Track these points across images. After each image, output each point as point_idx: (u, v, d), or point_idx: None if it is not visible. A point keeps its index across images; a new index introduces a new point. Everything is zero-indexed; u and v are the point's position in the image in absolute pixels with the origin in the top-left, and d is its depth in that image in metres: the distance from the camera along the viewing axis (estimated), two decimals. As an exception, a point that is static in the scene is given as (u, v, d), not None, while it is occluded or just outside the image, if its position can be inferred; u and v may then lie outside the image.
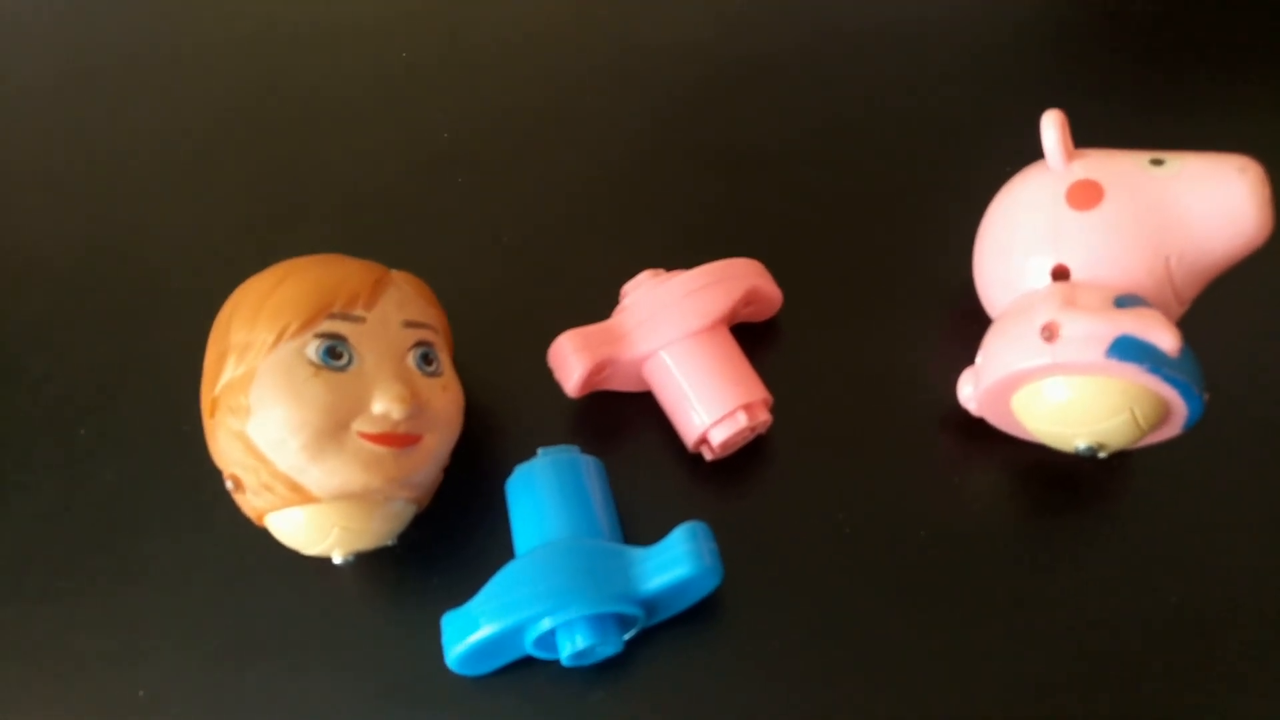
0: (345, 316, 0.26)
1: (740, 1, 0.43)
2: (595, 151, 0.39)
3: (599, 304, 0.31)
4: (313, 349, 0.25)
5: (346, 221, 0.37)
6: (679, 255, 0.32)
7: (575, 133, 0.39)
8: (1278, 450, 0.30)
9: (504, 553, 0.28)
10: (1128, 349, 0.24)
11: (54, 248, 0.38)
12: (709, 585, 0.27)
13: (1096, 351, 0.24)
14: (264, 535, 0.26)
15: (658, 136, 0.39)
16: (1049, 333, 0.25)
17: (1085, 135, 0.28)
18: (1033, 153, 0.28)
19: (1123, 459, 0.29)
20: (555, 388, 0.30)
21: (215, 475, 0.26)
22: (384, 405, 0.25)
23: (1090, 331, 0.25)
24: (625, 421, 0.31)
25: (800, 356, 0.33)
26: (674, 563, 0.26)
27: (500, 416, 0.32)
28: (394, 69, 0.42)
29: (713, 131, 0.39)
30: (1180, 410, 0.26)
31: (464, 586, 0.26)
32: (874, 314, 0.34)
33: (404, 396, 0.25)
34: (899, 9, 0.42)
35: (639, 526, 0.29)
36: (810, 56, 0.41)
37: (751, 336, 0.32)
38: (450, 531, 0.30)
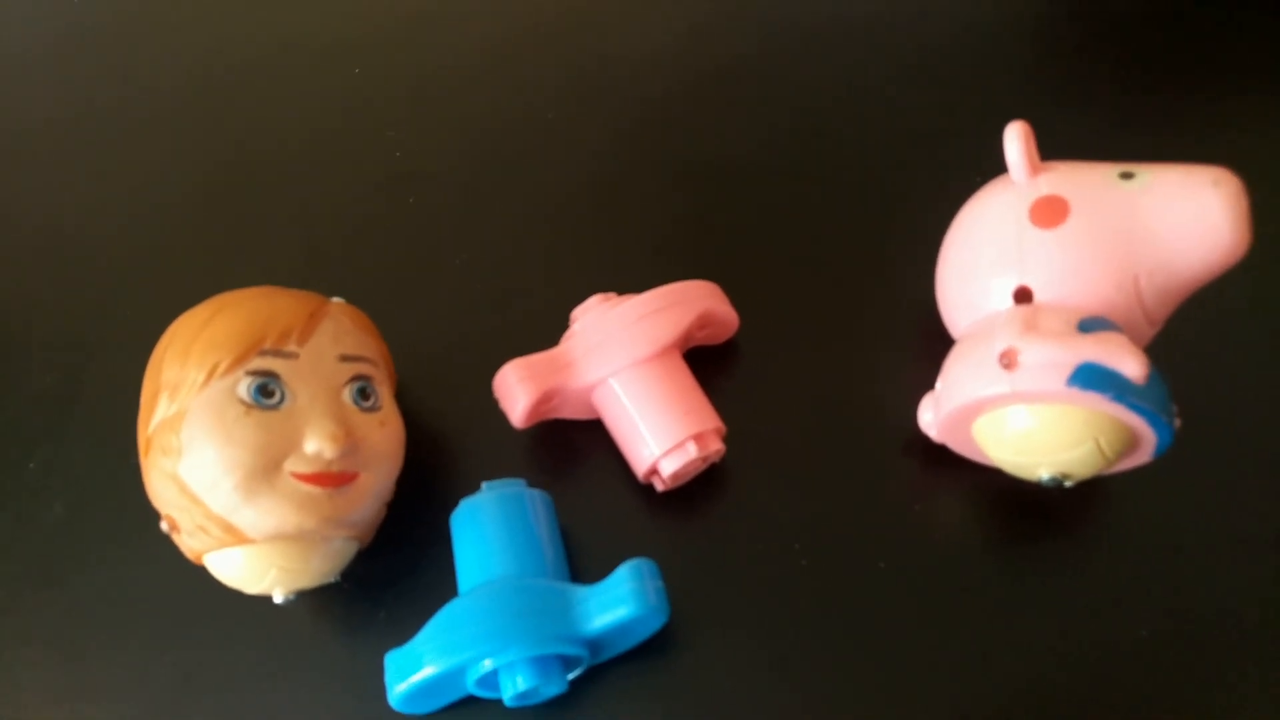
0: (277, 353, 0.25)
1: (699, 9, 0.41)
2: (548, 170, 0.38)
3: (551, 329, 0.30)
4: (244, 387, 0.24)
5: (296, 242, 0.37)
6: (633, 277, 0.31)
7: (528, 151, 0.38)
8: (1256, 474, 0.29)
9: (451, 586, 0.27)
10: (1090, 377, 0.23)
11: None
12: (655, 624, 0.26)
13: (1057, 380, 0.23)
14: (209, 572, 0.26)
15: (611, 154, 0.38)
16: (1008, 360, 0.24)
17: (1057, 142, 0.26)
18: (1003, 162, 0.26)
19: (1092, 485, 0.28)
20: (503, 417, 0.29)
21: (160, 511, 0.25)
22: (316, 444, 0.24)
23: (1050, 359, 0.23)
24: (575, 451, 0.31)
25: (757, 381, 0.32)
26: (618, 602, 0.25)
27: (447, 448, 0.31)
28: (345, 85, 0.41)
29: (667, 147, 0.38)
30: (1149, 438, 0.25)
31: (411, 621, 0.26)
32: (835, 335, 0.32)
33: (336, 435, 0.24)
34: (863, 13, 0.41)
35: (588, 559, 0.28)
36: (769, 64, 0.40)
37: (707, 360, 0.31)
38: (396, 566, 0.29)
